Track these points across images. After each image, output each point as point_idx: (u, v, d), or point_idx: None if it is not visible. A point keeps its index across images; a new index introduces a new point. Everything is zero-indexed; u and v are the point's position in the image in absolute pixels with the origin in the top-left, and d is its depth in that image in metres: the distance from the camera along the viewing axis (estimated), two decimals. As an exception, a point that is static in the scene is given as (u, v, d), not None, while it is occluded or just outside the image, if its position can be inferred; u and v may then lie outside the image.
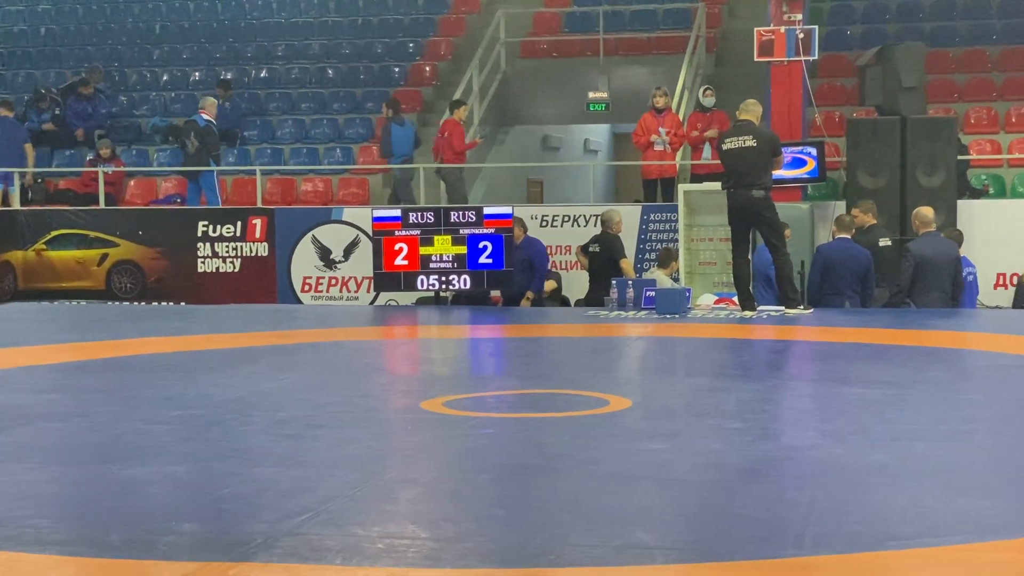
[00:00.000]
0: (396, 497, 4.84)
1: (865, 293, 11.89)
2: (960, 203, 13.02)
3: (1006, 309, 12.84)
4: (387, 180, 16.98)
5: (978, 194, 14.47)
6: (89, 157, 17.64)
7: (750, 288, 11.60)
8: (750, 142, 11.20)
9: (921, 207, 12.06)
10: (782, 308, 11.40)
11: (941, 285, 11.59)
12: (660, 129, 14.99)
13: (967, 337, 9.93)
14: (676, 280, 13.15)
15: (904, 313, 11.60)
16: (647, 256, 13.88)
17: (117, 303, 15.11)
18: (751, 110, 11.47)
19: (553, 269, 14.18)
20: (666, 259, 13.07)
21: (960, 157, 13.62)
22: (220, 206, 15.88)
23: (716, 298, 12.48)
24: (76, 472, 5.34)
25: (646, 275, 13.04)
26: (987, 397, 7.23)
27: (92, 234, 15.56)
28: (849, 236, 12.02)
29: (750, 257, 11.74)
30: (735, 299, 11.78)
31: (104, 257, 15.52)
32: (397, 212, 13.50)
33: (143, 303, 15.01)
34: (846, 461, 5.34)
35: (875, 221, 12.43)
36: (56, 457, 5.66)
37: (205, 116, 16.20)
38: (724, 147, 11.39)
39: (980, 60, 17.91)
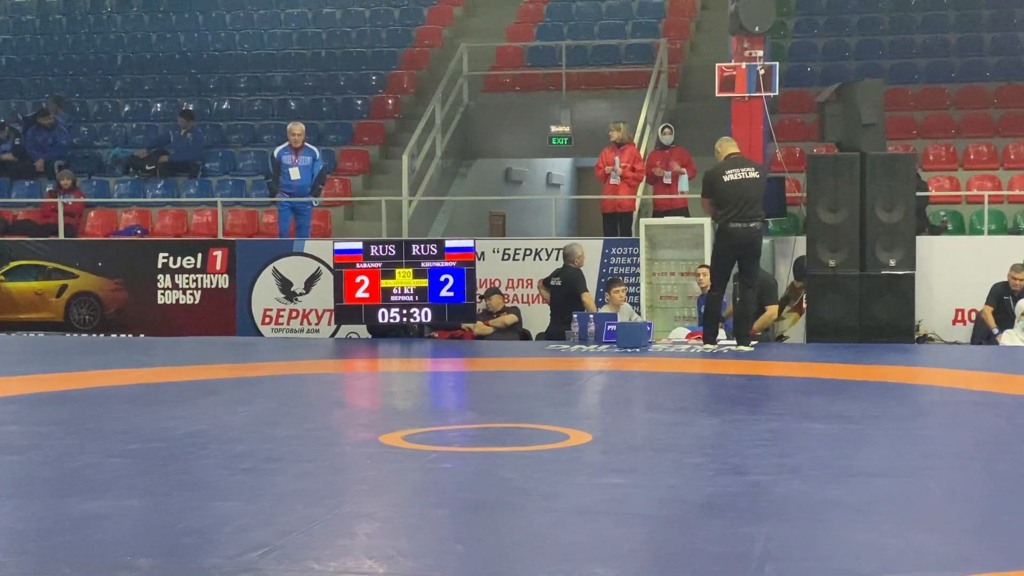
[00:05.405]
0: (353, 531, 4.81)
1: None
2: (919, 239, 13.12)
3: (964, 345, 12.93)
4: None
5: (937, 231, 14.58)
6: (49, 188, 17.53)
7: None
8: (752, 173, 11.15)
9: None
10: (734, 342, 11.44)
11: None
12: (615, 159, 15.04)
13: (926, 373, 9.98)
14: (637, 312, 13.18)
15: (866, 348, 11.66)
16: (609, 291, 13.87)
17: (75, 335, 15.00)
18: (735, 143, 11.48)
19: (514, 303, 14.19)
20: (609, 286, 13.13)
21: (919, 193, 13.73)
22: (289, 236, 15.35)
23: (688, 332, 12.48)
24: (31, 506, 5.28)
25: (602, 309, 13.06)
26: (945, 433, 7.27)
27: (51, 265, 15.45)
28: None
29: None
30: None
31: (63, 288, 15.41)
32: (359, 245, 13.49)
33: (102, 335, 14.91)
34: (805, 496, 5.35)
35: None
36: (11, 490, 5.60)
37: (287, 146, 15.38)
38: (726, 178, 11.25)
39: (939, 98, 18.09)
